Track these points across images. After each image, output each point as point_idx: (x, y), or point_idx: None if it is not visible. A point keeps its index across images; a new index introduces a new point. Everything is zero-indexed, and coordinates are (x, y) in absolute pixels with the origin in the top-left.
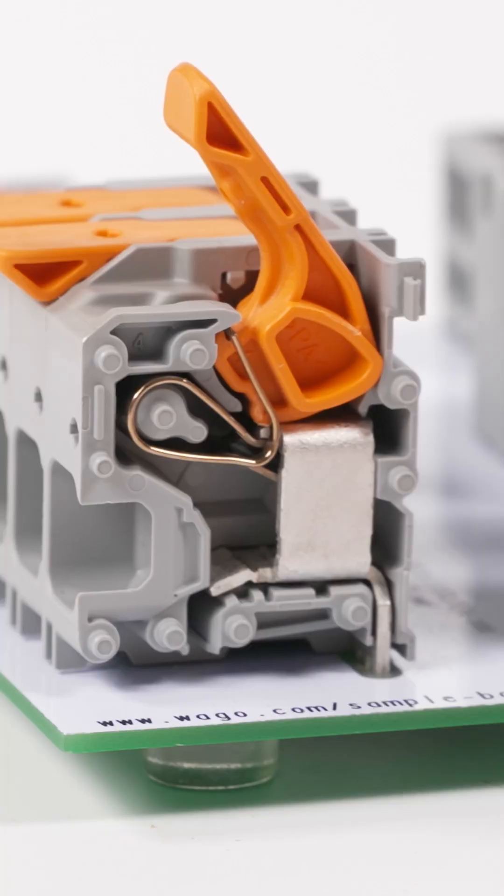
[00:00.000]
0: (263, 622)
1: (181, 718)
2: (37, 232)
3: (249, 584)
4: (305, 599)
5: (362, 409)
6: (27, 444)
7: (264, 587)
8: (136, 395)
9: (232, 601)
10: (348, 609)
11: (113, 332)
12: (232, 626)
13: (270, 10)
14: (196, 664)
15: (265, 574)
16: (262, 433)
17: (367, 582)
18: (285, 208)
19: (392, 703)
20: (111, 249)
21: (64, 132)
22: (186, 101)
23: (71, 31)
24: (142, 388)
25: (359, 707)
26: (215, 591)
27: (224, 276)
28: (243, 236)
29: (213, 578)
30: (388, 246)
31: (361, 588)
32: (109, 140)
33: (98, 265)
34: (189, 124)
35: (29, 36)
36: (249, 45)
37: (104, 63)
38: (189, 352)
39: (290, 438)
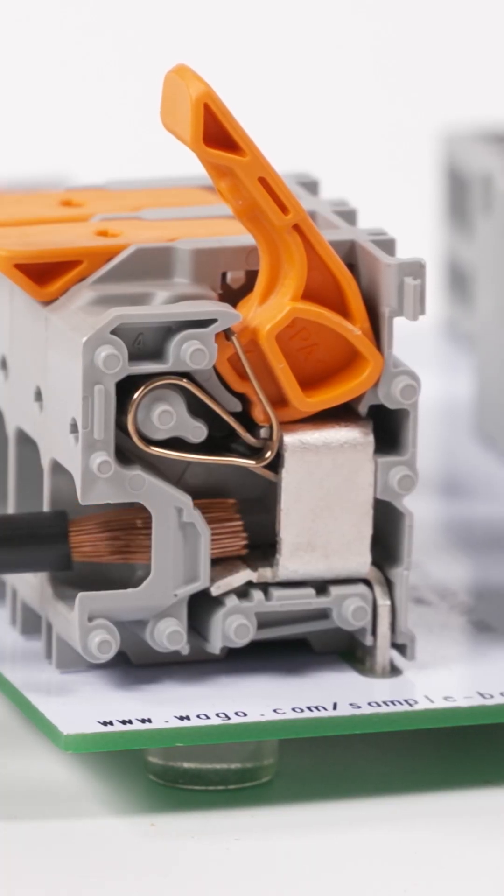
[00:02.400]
0: (263, 622)
1: (181, 718)
2: (37, 232)
3: (249, 584)
4: (305, 599)
5: (362, 408)
6: (27, 444)
7: (264, 587)
8: (136, 395)
9: (232, 601)
10: (348, 609)
11: (113, 332)
12: (232, 626)
13: (270, 11)
14: (196, 664)
15: (265, 574)
16: (262, 433)
17: (367, 582)
18: (283, 208)
19: (392, 702)
20: (111, 249)
21: (64, 132)
22: (182, 103)
23: (70, 31)
24: (142, 387)
25: (359, 707)
26: (215, 590)
27: (224, 276)
28: (243, 236)
29: (214, 578)
30: (388, 246)
31: (361, 588)
32: (109, 140)
33: (98, 265)
34: (185, 125)
35: (29, 36)
36: (249, 45)
37: (104, 63)
38: (189, 352)
39: (290, 438)
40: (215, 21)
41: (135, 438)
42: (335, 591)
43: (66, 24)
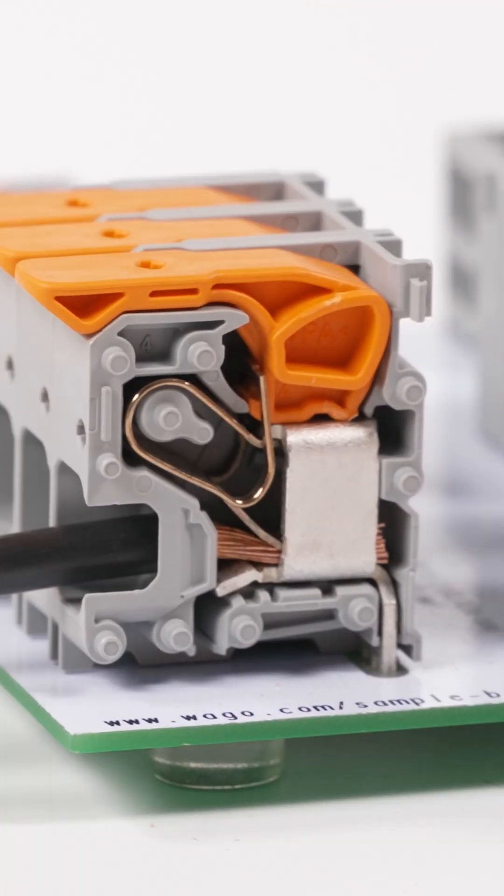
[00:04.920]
0: (270, 623)
1: (188, 718)
2: (43, 232)
3: (255, 585)
4: (311, 600)
5: (368, 409)
6: (33, 444)
7: (270, 587)
8: (134, 398)
9: (238, 602)
10: (354, 609)
11: (120, 334)
12: (238, 627)
13: (275, 11)
14: (202, 664)
15: (270, 574)
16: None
17: (372, 582)
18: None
19: (398, 702)
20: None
21: (69, 132)
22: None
23: (73, 30)
24: (140, 391)
25: (365, 706)
26: (221, 591)
27: None
28: (250, 237)
29: (219, 579)
30: (394, 247)
31: (367, 588)
32: (115, 139)
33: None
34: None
35: (30, 35)
36: (253, 46)
37: (109, 61)
38: (196, 353)
39: (294, 438)
40: (219, 21)
41: (132, 441)
42: (341, 591)
43: (69, 22)
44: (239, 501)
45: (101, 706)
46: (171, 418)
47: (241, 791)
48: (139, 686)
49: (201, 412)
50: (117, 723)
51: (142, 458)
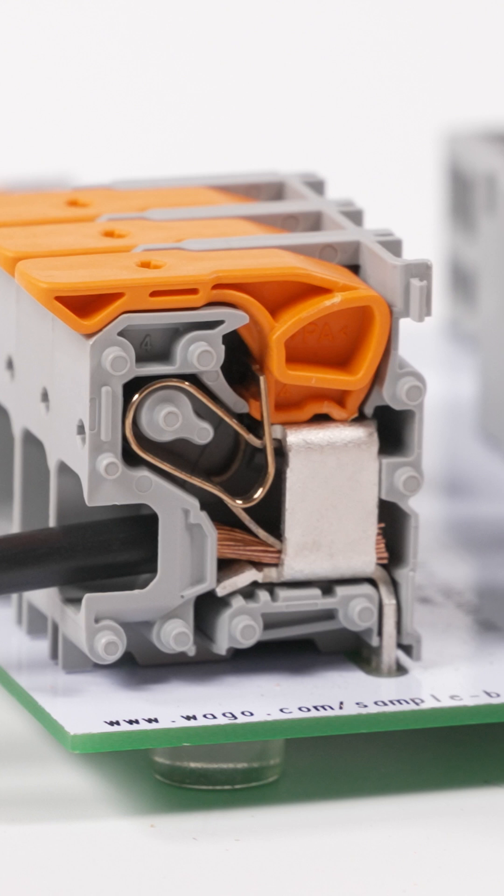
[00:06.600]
0: (270, 623)
1: (188, 718)
2: (43, 232)
3: (255, 585)
4: (311, 600)
5: (368, 409)
6: (33, 444)
7: (270, 587)
8: (134, 398)
9: (238, 602)
10: (354, 610)
11: (120, 334)
12: (238, 627)
13: (275, 11)
14: (202, 664)
15: (270, 574)
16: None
17: (372, 581)
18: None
19: (398, 702)
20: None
21: (69, 131)
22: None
23: (74, 28)
24: (140, 391)
25: (365, 706)
26: (221, 591)
27: None
28: (250, 237)
29: (219, 579)
30: (394, 247)
31: (367, 588)
32: (115, 139)
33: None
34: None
35: (31, 34)
36: (253, 45)
37: (110, 60)
38: (196, 353)
39: (294, 438)
40: (219, 21)
41: (132, 441)
42: (341, 591)
43: (70, 22)
44: (239, 501)
45: (101, 706)
46: (171, 418)
47: (241, 791)
48: (139, 686)
49: (201, 412)
50: (117, 723)
51: (142, 458)
